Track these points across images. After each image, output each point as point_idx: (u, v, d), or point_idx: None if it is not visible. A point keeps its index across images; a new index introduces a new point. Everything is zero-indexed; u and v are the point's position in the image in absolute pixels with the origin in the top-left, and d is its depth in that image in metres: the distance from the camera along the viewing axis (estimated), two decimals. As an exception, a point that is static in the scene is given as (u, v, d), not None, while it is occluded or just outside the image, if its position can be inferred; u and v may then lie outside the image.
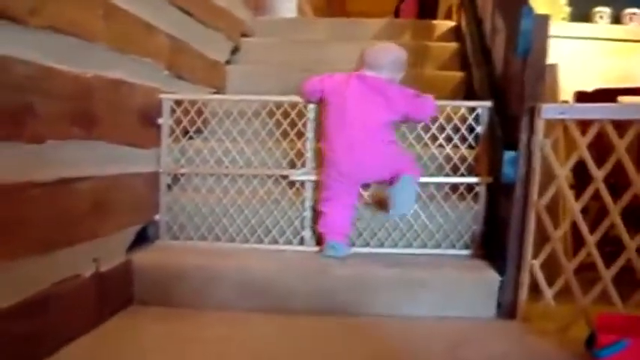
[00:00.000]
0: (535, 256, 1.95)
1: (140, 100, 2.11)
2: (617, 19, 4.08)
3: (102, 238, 1.84)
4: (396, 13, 5.76)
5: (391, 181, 2.13)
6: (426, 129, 2.31)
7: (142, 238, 2.23)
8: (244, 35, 3.49)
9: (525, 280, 1.96)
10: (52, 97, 1.56)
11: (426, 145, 2.33)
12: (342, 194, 2.20)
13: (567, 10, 4.05)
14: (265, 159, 2.39)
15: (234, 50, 3.32)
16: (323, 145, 2.22)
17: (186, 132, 2.38)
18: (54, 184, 1.57)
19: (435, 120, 2.31)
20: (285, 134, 2.36)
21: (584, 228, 1.87)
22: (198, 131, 2.53)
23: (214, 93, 2.92)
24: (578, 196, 1.91)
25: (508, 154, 1.97)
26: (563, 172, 1.90)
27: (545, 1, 3.84)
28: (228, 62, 3.22)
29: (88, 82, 1.73)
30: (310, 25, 4.00)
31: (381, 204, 2.27)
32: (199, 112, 2.41)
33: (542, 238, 1.95)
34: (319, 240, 2.25)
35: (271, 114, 2.39)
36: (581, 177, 2.08)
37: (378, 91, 2.16)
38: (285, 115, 2.36)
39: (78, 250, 1.70)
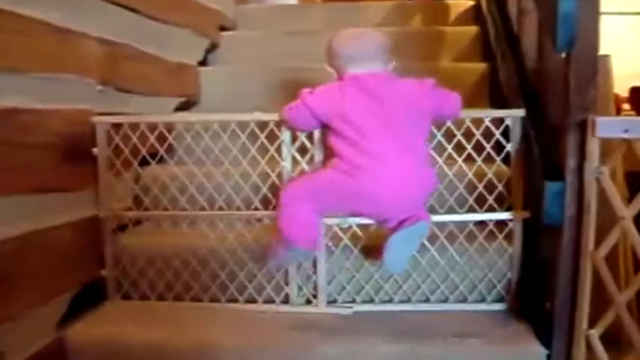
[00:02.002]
0: (592, 321, 1.43)
1: (58, 130, 1.59)
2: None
3: (7, 324, 1.38)
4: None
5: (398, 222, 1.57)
6: (440, 147, 1.73)
7: (91, 299, 1.76)
8: (224, 29, 2.94)
9: (581, 355, 1.44)
10: None
11: (440, 167, 1.73)
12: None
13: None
14: (232, 197, 1.83)
15: (211, 48, 2.79)
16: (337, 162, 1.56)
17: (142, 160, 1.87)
18: None
19: (450, 135, 1.74)
20: (254, 163, 1.80)
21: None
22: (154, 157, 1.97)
23: (184, 103, 2.40)
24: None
25: (551, 187, 1.44)
26: (629, 214, 1.36)
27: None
28: (203, 63, 2.70)
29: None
30: (303, 12, 3.41)
31: (370, 253, 1.73)
32: (144, 136, 1.83)
33: (599, 295, 1.43)
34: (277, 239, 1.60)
35: (234, 136, 1.80)
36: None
37: (389, 89, 1.55)
38: (254, 135, 1.77)
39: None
